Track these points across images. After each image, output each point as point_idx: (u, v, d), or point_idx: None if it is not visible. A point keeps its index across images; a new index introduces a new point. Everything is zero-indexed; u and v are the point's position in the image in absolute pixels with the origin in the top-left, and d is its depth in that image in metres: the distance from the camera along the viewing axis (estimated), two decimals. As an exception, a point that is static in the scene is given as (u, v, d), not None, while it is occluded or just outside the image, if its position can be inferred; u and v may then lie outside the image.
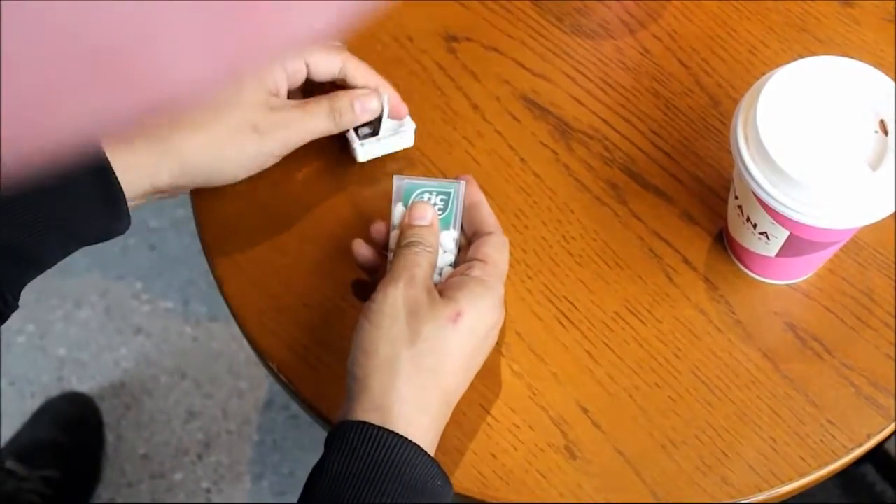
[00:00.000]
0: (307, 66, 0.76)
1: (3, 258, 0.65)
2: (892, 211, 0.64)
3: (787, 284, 0.77)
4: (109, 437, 1.59)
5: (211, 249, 0.81)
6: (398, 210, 0.72)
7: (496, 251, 0.70)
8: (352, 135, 0.80)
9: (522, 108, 0.85)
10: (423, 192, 0.72)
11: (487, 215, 0.72)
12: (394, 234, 0.71)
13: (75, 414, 1.57)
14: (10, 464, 1.46)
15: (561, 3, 0.89)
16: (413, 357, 0.64)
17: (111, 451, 1.58)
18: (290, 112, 0.75)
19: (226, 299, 0.80)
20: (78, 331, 1.69)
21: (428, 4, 0.89)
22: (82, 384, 1.64)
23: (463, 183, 0.73)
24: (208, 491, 1.54)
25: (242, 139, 0.72)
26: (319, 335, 0.77)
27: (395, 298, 0.65)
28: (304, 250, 0.81)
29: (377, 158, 0.81)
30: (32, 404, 1.61)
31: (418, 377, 0.63)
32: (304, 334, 0.77)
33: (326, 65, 0.76)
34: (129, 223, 0.70)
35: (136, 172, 0.69)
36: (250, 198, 0.83)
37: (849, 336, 0.75)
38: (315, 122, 0.76)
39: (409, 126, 0.81)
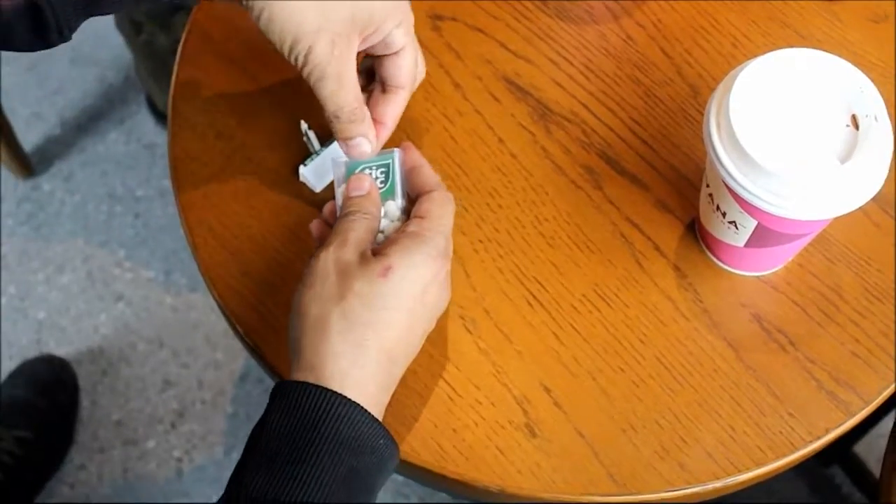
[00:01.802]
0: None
1: None
2: (859, 206, 0.65)
3: (755, 276, 0.78)
4: (84, 401, 1.59)
5: (187, 213, 0.82)
6: (341, 191, 0.72)
7: (435, 206, 0.69)
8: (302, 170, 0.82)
9: (503, 89, 0.86)
10: (363, 169, 0.72)
11: (428, 175, 0.72)
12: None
13: (51, 376, 1.57)
14: (-17, 422, 1.47)
15: (548, -13, 0.90)
16: (343, 313, 0.64)
17: (85, 416, 1.59)
18: (337, 76, 0.70)
19: (198, 262, 0.80)
20: (59, 295, 1.69)
21: (416, -19, 0.90)
22: (60, 348, 1.64)
23: (398, 151, 0.73)
24: (179, 460, 1.55)
25: (311, 36, 0.68)
26: (285, 301, 0.77)
27: (325, 260, 0.66)
28: (277, 217, 0.81)
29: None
30: (10, 366, 1.61)
31: (351, 333, 0.63)
32: (270, 299, 0.78)
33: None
34: None
35: None
36: (227, 166, 0.83)
37: (814, 330, 0.76)
38: (329, 99, 0.71)
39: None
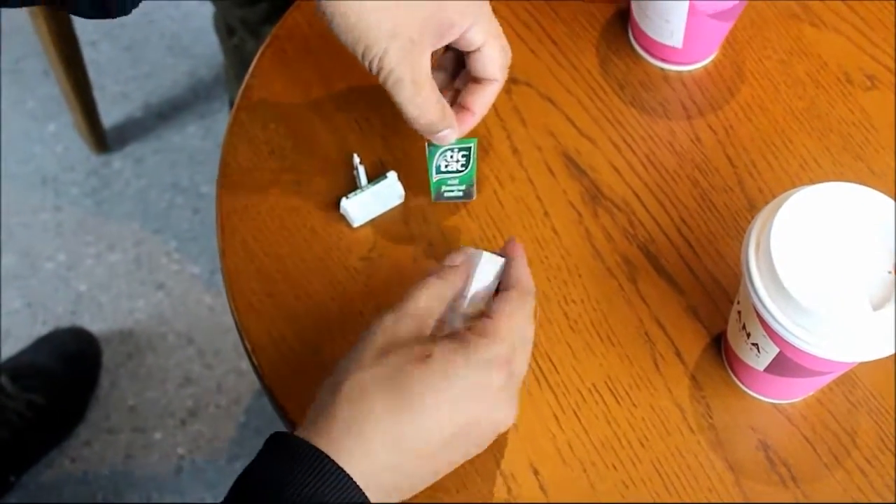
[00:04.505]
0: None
1: None
2: (885, 356, 0.63)
3: (771, 403, 0.76)
4: (104, 380, 1.61)
5: (224, 221, 0.83)
6: (474, 285, 0.69)
7: (505, 305, 0.66)
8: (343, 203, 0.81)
9: (560, 164, 0.85)
10: (445, 152, 0.77)
11: (514, 269, 0.69)
12: (461, 302, 0.68)
13: (77, 349, 1.59)
14: (2, 379, 1.48)
15: (626, 72, 0.89)
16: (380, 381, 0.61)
17: (102, 395, 1.60)
18: (412, 81, 0.71)
19: (223, 270, 0.81)
20: (104, 272, 1.71)
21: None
22: (93, 324, 1.66)
23: (476, 140, 0.77)
24: (182, 457, 1.55)
25: (384, 41, 0.69)
26: (299, 329, 0.77)
27: (377, 322, 0.64)
28: (309, 245, 0.81)
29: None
30: (41, 330, 1.63)
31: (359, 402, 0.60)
32: (285, 324, 0.78)
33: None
34: None
35: None
36: (274, 184, 0.84)
37: (820, 471, 0.73)
38: (407, 103, 0.72)
39: (394, 181, 0.82)
